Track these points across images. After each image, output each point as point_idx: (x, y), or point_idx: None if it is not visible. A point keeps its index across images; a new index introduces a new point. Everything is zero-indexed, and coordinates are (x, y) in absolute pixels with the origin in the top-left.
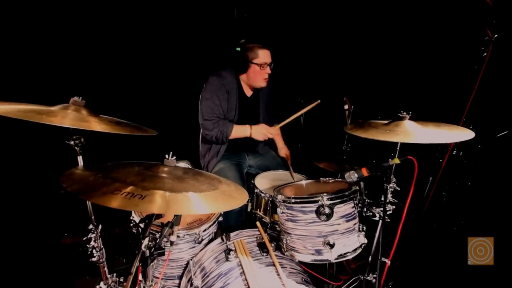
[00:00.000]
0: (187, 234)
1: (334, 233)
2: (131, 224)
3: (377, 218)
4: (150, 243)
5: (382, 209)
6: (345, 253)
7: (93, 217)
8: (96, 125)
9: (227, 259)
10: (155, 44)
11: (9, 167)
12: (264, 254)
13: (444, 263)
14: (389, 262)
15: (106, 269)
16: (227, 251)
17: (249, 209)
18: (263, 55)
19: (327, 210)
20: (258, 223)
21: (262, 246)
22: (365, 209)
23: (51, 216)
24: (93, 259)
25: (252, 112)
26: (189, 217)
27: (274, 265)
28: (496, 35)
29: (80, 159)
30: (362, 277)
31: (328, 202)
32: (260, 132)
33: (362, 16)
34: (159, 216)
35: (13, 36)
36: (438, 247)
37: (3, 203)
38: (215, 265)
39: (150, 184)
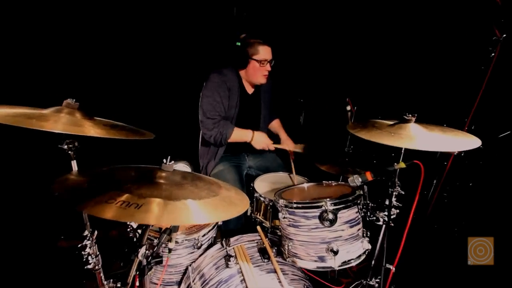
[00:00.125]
0: (186, 240)
1: (338, 239)
2: (128, 229)
3: (380, 223)
4: (147, 251)
5: (386, 213)
6: (349, 260)
7: (88, 223)
8: (90, 129)
9: (227, 266)
10: (153, 42)
11: (4, 168)
12: (265, 260)
13: (444, 263)
14: (394, 268)
15: (102, 275)
16: (227, 257)
17: (248, 213)
18: (264, 52)
19: (330, 216)
20: (258, 228)
21: (263, 252)
22: (368, 214)
23: (47, 219)
24: (89, 266)
25: (253, 110)
26: None
27: (275, 271)
28: (504, 35)
29: (74, 163)
30: (364, 282)
31: (332, 207)
32: (261, 140)
33: (366, 13)
34: None
35: (3, 35)
36: (438, 247)
37: None
38: (215, 272)
39: (146, 192)
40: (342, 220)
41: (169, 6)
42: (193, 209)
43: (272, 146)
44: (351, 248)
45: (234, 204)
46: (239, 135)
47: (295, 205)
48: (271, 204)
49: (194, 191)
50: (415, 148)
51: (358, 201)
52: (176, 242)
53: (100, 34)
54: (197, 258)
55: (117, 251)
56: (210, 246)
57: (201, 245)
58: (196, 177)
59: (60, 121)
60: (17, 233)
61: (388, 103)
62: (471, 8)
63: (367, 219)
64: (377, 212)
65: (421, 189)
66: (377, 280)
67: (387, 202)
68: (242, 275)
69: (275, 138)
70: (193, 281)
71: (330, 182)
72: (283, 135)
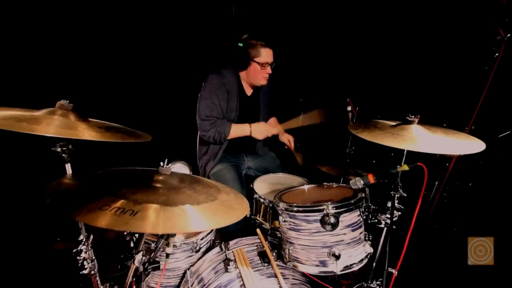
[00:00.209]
0: (184, 243)
1: (340, 244)
2: (125, 233)
3: (382, 226)
4: (144, 257)
5: (388, 216)
6: (351, 265)
7: (83, 228)
8: (85, 132)
9: (226, 270)
10: (150, 40)
11: None
12: (265, 264)
13: (444, 263)
14: (396, 272)
15: (98, 279)
16: (227, 261)
17: (248, 215)
18: (265, 54)
19: (332, 220)
20: (258, 230)
21: (263, 256)
22: (370, 216)
23: (42, 220)
24: (84, 271)
25: (252, 112)
26: None
27: (276, 276)
28: (508, 35)
29: (68, 167)
30: (365, 284)
31: (334, 211)
32: (260, 130)
33: (368, 11)
34: None
35: None
36: (438, 247)
37: None
38: (214, 276)
39: (143, 197)
40: (344, 224)
41: (167, 4)
42: (191, 215)
43: (274, 130)
44: (353, 252)
45: (233, 208)
46: (237, 130)
47: (295, 209)
48: (271, 205)
49: (192, 195)
50: (419, 150)
51: (360, 204)
52: (174, 246)
53: (95, 31)
54: (195, 262)
55: (114, 253)
56: (208, 249)
57: (200, 248)
58: (194, 180)
59: (53, 123)
60: (13, 235)
61: (389, 103)
62: (475, 8)
63: (369, 221)
64: (379, 214)
65: (419, 190)
66: (378, 282)
67: (388, 204)
68: (242, 280)
69: (272, 144)
70: (191, 286)
71: (331, 183)
72: (279, 130)
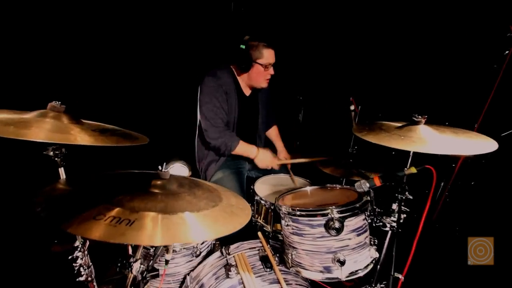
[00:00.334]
0: (184, 248)
1: (345, 249)
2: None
3: (387, 229)
4: (142, 266)
5: (393, 219)
6: (356, 271)
7: None
8: (77, 137)
9: (227, 276)
10: (146, 38)
11: None
12: (268, 270)
13: (444, 263)
14: (403, 277)
15: (95, 284)
16: (228, 266)
17: None
18: (268, 55)
19: (337, 224)
20: (259, 234)
21: (265, 260)
22: (375, 219)
23: (39, 222)
24: (81, 278)
25: (251, 112)
26: None
27: (278, 282)
28: None
29: (61, 171)
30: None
31: (338, 215)
32: (265, 159)
33: (371, 7)
34: None
35: None
36: (438, 247)
37: None
38: (215, 282)
39: (140, 204)
40: (349, 229)
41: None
42: (190, 223)
43: (276, 166)
44: (358, 257)
45: (235, 214)
46: (243, 149)
47: (298, 213)
48: (272, 207)
49: (192, 201)
50: (428, 152)
51: (366, 208)
52: (174, 251)
53: (88, 27)
54: (196, 266)
55: (112, 255)
56: (209, 253)
57: (200, 253)
58: (193, 184)
59: (43, 127)
60: (10, 238)
61: (393, 102)
62: (484, 5)
63: (373, 225)
64: (384, 217)
65: (425, 192)
66: (382, 286)
67: (393, 207)
68: (244, 286)
69: (270, 145)
70: None
71: (334, 185)
72: (279, 146)
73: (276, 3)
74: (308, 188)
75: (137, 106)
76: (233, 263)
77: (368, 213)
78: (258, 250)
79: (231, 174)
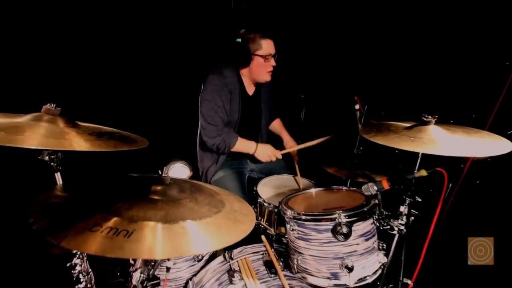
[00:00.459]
0: None
1: (353, 255)
2: None
3: (395, 232)
4: (142, 275)
5: (402, 222)
6: (364, 277)
7: None
8: (73, 142)
9: (231, 282)
10: (146, 37)
11: None
12: (272, 275)
13: (444, 263)
14: (412, 283)
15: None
16: (231, 272)
17: None
18: (267, 46)
19: (345, 229)
20: (263, 237)
21: (269, 265)
22: (382, 222)
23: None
24: (80, 286)
25: (254, 112)
26: None
27: None
28: None
29: (58, 176)
30: None
31: (346, 220)
32: (265, 152)
33: (375, 3)
34: None
35: None
36: (438, 247)
37: None
38: None
39: (139, 213)
40: (357, 234)
41: None
42: (192, 233)
43: (279, 155)
44: (366, 263)
45: (239, 221)
46: (242, 146)
47: (304, 217)
48: (275, 210)
49: (194, 208)
50: (440, 154)
51: (374, 211)
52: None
53: (85, 26)
54: (198, 271)
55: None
56: (211, 257)
57: (202, 257)
58: (195, 188)
59: (37, 132)
60: (9, 240)
61: (400, 100)
62: (496, 1)
63: (381, 228)
64: (391, 220)
65: (431, 193)
66: None
67: (401, 209)
68: None
69: (276, 138)
70: None
71: (340, 187)
72: (285, 136)
73: (277, 0)
74: (313, 190)
75: (137, 106)
76: (237, 269)
77: (376, 217)
78: (262, 254)
79: (232, 173)
